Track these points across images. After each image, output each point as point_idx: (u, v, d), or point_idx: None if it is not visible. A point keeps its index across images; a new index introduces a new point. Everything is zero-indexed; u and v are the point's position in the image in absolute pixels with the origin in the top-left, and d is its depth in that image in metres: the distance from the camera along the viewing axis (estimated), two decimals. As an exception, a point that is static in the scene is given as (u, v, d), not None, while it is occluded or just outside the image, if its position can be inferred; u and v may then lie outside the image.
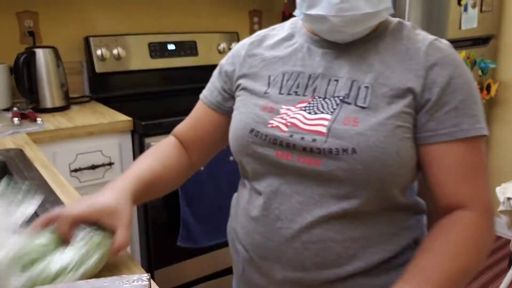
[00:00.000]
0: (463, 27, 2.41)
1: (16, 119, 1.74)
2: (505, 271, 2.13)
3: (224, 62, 0.99)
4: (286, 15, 2.55)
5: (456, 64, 0.79)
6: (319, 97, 0.81)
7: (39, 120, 1.76)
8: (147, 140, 1.80)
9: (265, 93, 0.86)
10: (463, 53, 2.45)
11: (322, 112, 0.79)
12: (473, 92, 0.80)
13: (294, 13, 0.86)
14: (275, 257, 0.83)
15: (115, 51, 2.24)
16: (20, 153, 1.38)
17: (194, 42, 2.46)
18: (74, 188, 1.12)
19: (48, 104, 1.97)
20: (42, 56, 1.94)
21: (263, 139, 0.82)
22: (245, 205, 0.89)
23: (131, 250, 1.94)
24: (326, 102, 0.80)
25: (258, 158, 0.83)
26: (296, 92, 0.83)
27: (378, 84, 0.78)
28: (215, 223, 1.95)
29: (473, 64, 2.54)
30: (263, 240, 0.84)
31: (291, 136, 0.79)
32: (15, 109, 1.86)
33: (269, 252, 0.83)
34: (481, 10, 2.48)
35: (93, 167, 1.78)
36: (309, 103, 0.81)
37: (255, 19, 2.84)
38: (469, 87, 0.79)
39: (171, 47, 2.41)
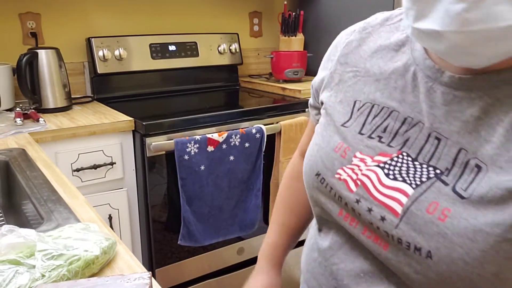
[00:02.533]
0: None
1: (18, 119, 1.76)
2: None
3: (321, 65, 0.77)
4: (286, 17, 2.57)
5: None
6: (408, 156, 0.58)
7: (41, 120, 1.78)
8: (148, 140, 1.82)
9: (344, 125, 0.65)
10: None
11: (405, 181, 0.56)
12: None
13: (402, 24, 0.64)
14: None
15: (116, 52, 2.26)
16: (22, 152, 1.39)
17: (195, 43, 2.48)
18: (76, 187, 1.13)
19: (51, 104, 1.99)
20: (44, 57, 1.96)
21: (328, 190, 0.64)
22: (311, 239, 0.77)
23: (132, 248, 1.96)
24: (415, 167, 0.56)
25: (322, 207, 0.68)
26: (380, 138, 0.61)
27: (495, 167, 0.51)
28: (216, 222, 1.97)
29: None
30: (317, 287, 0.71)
31: (357, 201, 0.60)
32: (17, 109, 1.88)
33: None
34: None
35: (95, 166, 1.79)
36: (392, 159, 0.59)
37: (255, 20, 2.85)
38: None
39: (172, 48, 2.42)
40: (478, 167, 0.51)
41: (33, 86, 1.96)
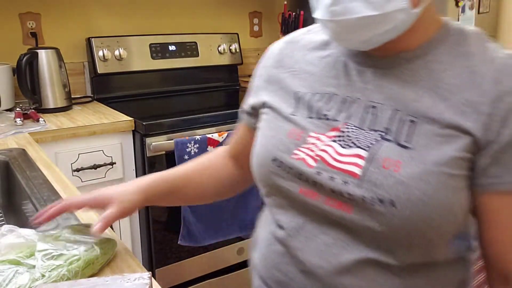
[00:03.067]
0: (461, 28, 2.42)
1: (18, 119, 1.76)
2: (502, 270, 2.14)
3: (256, 74, 0.86)
4: (286, 17, 2.57)
5: None
6: (353, 125, 0.67)
7: (41, 120, 1.78)
8: (148, 140, 1.82)
9: (292, 114, 0.73)
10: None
11: (358, 146, 0.65)
12: None
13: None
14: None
15: (116, 52, 2.26)
16: (22, 153, 1.39)
17: (195, 43, 2.48)
18: (76, 187, 1.14)
19: (51, 104, 1.99)
20: (44, 57, 1.96)
21: (287, 171, 0.69)
22: (267, 234, 0.79)
23: (132, 248, 1.96)
24: (363, 134, 0.66)
25: (280, 191, 0.72)
26: (326, 116, 0.69)
27: (426, 119, 0.63)
28: (216, 222, 1.97)
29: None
30: (285, 280, 0.72)
31: (318, 173, 0.66)
32: (17, 109, 1.88)
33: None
34: (478, 12, 2.49)
35: (95, 166, 1.79)
36: (341, 131, 0.67)
37: (255, 20, 2.85)
38: None
39: (172, 48, 2.42)
40: (412, 122, 0.63)
41: (33, 86, 1.96)
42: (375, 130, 0.65)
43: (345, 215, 0.64)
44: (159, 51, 2.39)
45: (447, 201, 0.60)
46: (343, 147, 0.66)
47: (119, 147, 1.86)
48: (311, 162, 0.67)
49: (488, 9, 2.56)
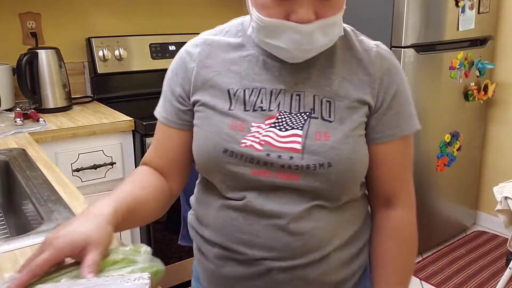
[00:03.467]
0: (460, 29, 2.42)
1: (18, 119, 1.76)
2: (502, 270, 2.14)
3: (173, 77, 0.92)
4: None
5: (398, 72, 0.87)
6: (285, 112, 0.81)
7: (41, 120, 1.78)
8: (148, 140, 1.82)
9: (230, 109, 0.83)
10: (461, 54, 2.47)
11: (293, 128, 0.80)
12: (408, 93, 0.88)
13: (248, 34, 0.86)
14: (265, 250, 0.83)
15: (116, 52, 2.26)
16: (22, 152, 1.39)
17: (195, 43, 2.48)
18: (76, 187, 1.14)
19: (51, 104, 1.99)
20: (44, 57, 1.96)
21: (239, 158, 0.80)
22: (219, 210, 0.87)
23: (132, 248, 1.96)
24: (294, 117, 0.81)
25: (233, 176, 0.82)
26: (261, 108, 0.82)
27: (338, 97, 0.82)
28: (215, 222, 1.97)
29: (470, 65, 2.55)
30: (251, 238, 0.84)
31: (267, 155, 0.79)
32: (17, 109, 1.88)
33: (258, 247, 0.83)
34: (478, 12, 2.49)
35: (95, 166, 1.79)
36: (277, 118, 0.81)
37: (255, 20, 2.85)
38: (407, 90, 0.88)
39: (172, 48, 2.42)
40: (328, 101, 0.82)
41: (33, 86, 1.96)
42: (304, 112, 0.81)
43: (294, 183, 0.80)
44: (159, 51, 2.39)
45: (362, 154, 0.83)
46: (281, 131, 0.80)
47: (119, 147, 1.86)
48: (258, 147, 0.80)
49: (488, 9, 2.56)
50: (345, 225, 0.88)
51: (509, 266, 1.98)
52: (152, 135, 1.82)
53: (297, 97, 0.82)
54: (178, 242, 1.94)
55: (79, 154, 1.76)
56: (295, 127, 0.80)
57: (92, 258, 0.63)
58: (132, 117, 1.88)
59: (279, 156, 0.79)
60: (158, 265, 0.71)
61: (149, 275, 0.61)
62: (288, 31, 0.75)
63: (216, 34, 0.91)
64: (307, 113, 0.81)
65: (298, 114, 0.81)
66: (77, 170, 1.76)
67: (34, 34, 2.15)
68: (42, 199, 1.04)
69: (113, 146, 1.84)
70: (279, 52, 0.80)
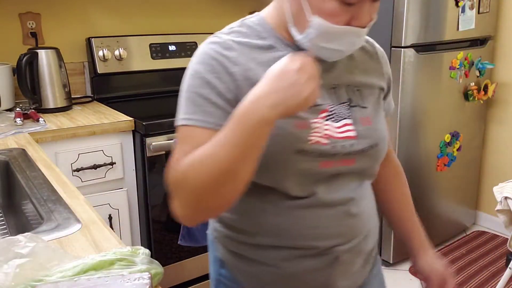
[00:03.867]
0: (460, 29, 2.42)
1: (18, 119, 1.76)
2: (502, 270, 2.14)
3: (213, 79, 0.84)
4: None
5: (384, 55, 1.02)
6: (331, 105, 0.86)
7: (41, 120, 1.78)
8: (148, 140, 1.82)
9: None
10: (461, 54, 2.47)
11: (343, 118, 0.87)
12: None
13: (297, 38, 0.83)
14: (334, 238, 0.88)
15: (116, 52, 2.26)
16: (22, 152, 1.39)
17: (195, 43, 2.48)
18: (76, 187, 1.14)
19: (51, 104, 1.99)
20: (44, 57, 1.96)
21: (308, 155, 0.83)
22: (280, 212, 0.88)
23: (132, 248, 1.96)
24: (339, 108, 0.87)
25: (302, 173, 0.85)
26: (314, 104, 0.83)
27: (364, 86, 0.91)
28: (215, 222, 1.97)
29: (470, 65, 2.55)
30: (321, 230, 0.88)
31: (333, 147, 0.84)
32: (17, 109, 1.88)
33: (328, 237, 0.88)
34: (478, 12, 2.49)
35: (95, 166, 1.79)
36: (329, 111, 0.86)
37: (255, 20, 2.84)
38: None
39: (172, 48, 2.42)
40: (358, 90, 0.90)
41: (33, 86, 1.96)
42: (344, 103, 0.88)
43: (350, 167, 0.88)
44: (159, 51, 2.39)
45: (387, 132, 0.95)
46: (335, 122, 0.86)
47: (119, 147, 1.86)
48: (324, 141, 0.84)
49: (488, 9, 2.56)
50: (372, 195, 1.00)
51: (509, 266, 1.98)
52: (152, 135, 1.82)
53: (333, 90, 0.88)
54: (178, 242, 1.93)
55: (79, 154, 1.76)
56: (344, 117, 0.87)
57: None
58: (132, 117, 1.88)
59: (342, 146, 0.86)
60: (157, 267, 0.71)
61: (149, 275, 0.61)
62: (351, 36, 0.79)
63: (237, 36, 0.89)
64: (347, 103, 0.88)
65: (340, 105, 0.87)
66: (77, 170, 1.76)
67: (34, 34, 2.15)
68: (42, 199, 1.04)
69: (113, 146, 1.84)
70: (330, 54, 0.83)
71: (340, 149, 0.85)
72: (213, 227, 1.04)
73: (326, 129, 0.84)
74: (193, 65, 0.86)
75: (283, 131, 0.82)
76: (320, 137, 0.84)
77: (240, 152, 0.73)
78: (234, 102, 0.81)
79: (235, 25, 0.93)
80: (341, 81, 0.89)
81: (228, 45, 0.87)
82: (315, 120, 0.84)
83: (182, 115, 0.82)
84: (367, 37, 0.97)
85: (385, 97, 0.99)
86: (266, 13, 0.94)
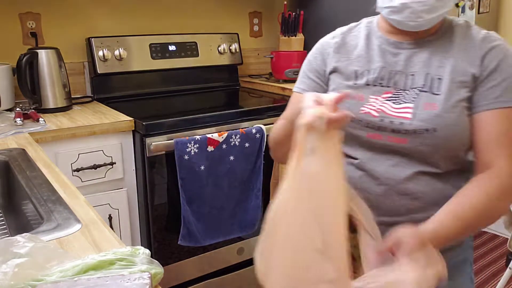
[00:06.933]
0: (461, 28, 2.42)
1: (18, 119, 1.76)
2: (502, 270, 2.14)
3: (313, 59, 1.13)
4: (286, 17, 2.57)
5: (501, 51, 0.96)
6: (401, 89, 0.98)
7: (41, 120, 1.78)
8: (148, 140, 1.82)
9: (355, 84, 1.03)
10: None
11: (405, 102, 0.96)
12: None
13: (377, 10, 1.04)
14: (373, 207, 0.95)
15: (116, 52, 2.26)
16: (22, 153, 1.39)
17: (195, 43, 2.48)
18: (76, 187, 1.13)
19: (51, 104, 1.99)
20: (44, 57, 1.96)
21: (357, 123, 0.99)
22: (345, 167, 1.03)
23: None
24: (407, 93, 0.97)
25: (352, 138, 1.01)
26: (380, 84, 1.00)
27: (448, 74, 0.95)
28: (216, 222, 1.97)
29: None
30: (366, 195, 0.98)
31: (381, 120, 0.97)
32: (17, 109, 1.88)
33: (368, 203, 0.96)
34: (478, 12, 2.49)
35: (95, 166, 1.79)
36: (393, 94, 0.98)
37: (255, 20, 2.85)
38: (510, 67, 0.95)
39: (172, 48, 2.42)
40: (439, 79, 0.96)
41: (33, 86, 1.96)
42: (415, 87, 0.96)
43: (403, 145, 0.95)
44: (159, 51, 2.39)
45: (465, 123, 0.94)
46: (395, 104, 0.97)
47: (119, 147, 1.86)
48: (374, 113, 0.98)
49: (488, 9, 2.56)
50: (448, 196, 0.95)
51: (509, 266, 1.98)
52: (152, 135, 1.83)
53: (411, 77, 0.98)
54: (178, 242, 1.94)
55: (79, 154, 1.76)
56: (408, 101, 0.96)
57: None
58: (132, 117, 1.88)
59: (391, 122, 0.96)
60: (157, 267, 0.71)
61: (150, 275, 0.61)
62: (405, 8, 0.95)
63: (350, 29, 1.14)
64: (419, 88, 0.96)
65: (411, 90, 0.97)
66: (77, 170, 1.76)
67: (34, 34, 2.15)
68: (42, 199, 1.04)
69: (113, 146, 1.84)
70: (402, 17, 0.97)
71: (388, 124, 0.96)
72: None
73: (382, 106, 0.98)
74: None
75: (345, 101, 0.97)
76: (372, 109, 0.98)
77: None
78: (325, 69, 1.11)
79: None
80: (423, 69, 0.97)
81: (337, 34, 1.15)
82: (374, 97, 0.99)
83: None
84: (480, 31, 0.99)
85: (476, 88, 0.95)
86: None
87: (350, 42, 1.09)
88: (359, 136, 1.00)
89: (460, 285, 1.09)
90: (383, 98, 0.99)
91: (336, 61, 1.08)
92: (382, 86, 1.00)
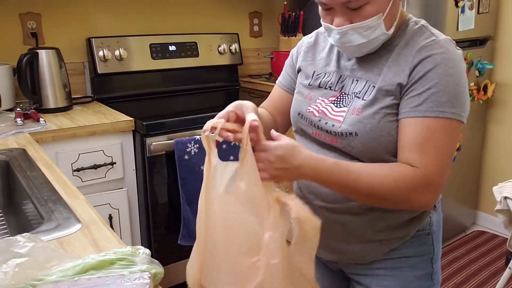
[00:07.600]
0: (460, 29, 2.42)
1: (19, 119, 1.76)
2: (502, 269, 2.14)
3: (291, 55, 1.25)
4: (286, 17, 2.57)
5: (434, 60, 0.95)
6: (345, 93, 1.06)
7: (41, 120, 1.78)
8: (148, 140, 1.82)
9: (309, 85, 1.13)
10: (461, 54, 2.47)
11: (344, 106, 1.04)
12: (443, 81, 0.94)
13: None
14: (314, 193, 1.10)
15: (116, 52, 2.26)
16: (23, 152, 1.40)
17: (195, 43, 2.48)
18: (76, 187, 1.14)
19: (51, 104, 1.99)
20: (44, 57, 1.96)
21: (304, 119, 1.11)
22: None
23: (132, 248, 1.96)
24: (348, 97, 1.05)
25: (303, 133, 1.13)
26: (330, 87, 1.09)
27: (382, 83, 0.99)
28: (215, 222, 1.97)
29: (470, 65, 2.55)
30: (306, 182, 1.11)
31: (319, 120, 1.06)
32: (18, 109, 1.88)
33: (312, 190, 1.10)
34: (478, 12, 2.49)
35: (95, 166, 1.80)
36: (337, 97, 1.07)
37: (255, 21, 2.85)
38: (440, 77, 0.94)
39: (172, 48, 2.43)
40: (373, 86, 1.00)
41: (34, 86, 1.96)
42: (355, 93, 1.04)
43: (336, 145, 1.04)
44: (159, 51, 2.39)
45: (387, 128, 0.98)
46: (336, 107, 1.06)
47: (119, 147, 1.86)
48: (316, 113, 1.08)
49: (488, 9, 2.56)
50: None
51: (509, 265, 1.98)
52: (152, 135, 1.83)
53: (356, 82, 1.05)
54: (178, 242, 1.94)
55: (79, 154, 1.77)
56: (346, 105, 1.04)
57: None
58: (132, 117, 1.88)
59: (326, 123, 1.05)
60: (157, 267, 0.71)
61: (150, 275, 0.61)
62: (330, 32, 1.01)
63: (323, 33, 1.19)
64: (355, 94, 1.03)
65: (351, 94, 1.04)
66: (77, 170, 1.77)
67: (34, 34, 2.15)
68: (42, 199, 1.04)
69: (113, 146, 1.84)
70: (341, 49, 1.07)
71: (323, 125, 1.06)
72: None
73: (325, 107, 1.07)
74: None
75: (299, 97, 1.14)
76: (315, 110, 1.08)
77: None
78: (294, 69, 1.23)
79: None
80: (365, 75, 1.04)
81: (312, 35, 1.24)
82: (322, 98, 1.09)
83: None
84: (426, 37, 0.98)
85: (402, 95, 0.97)
86: None
87: (321, 44, 1.19)
88: (307, 132, 1.11)
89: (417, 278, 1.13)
90: (328, 101, 1.08)
91: (302, 60, 1.19)
92: (331, 89, 1.09)
